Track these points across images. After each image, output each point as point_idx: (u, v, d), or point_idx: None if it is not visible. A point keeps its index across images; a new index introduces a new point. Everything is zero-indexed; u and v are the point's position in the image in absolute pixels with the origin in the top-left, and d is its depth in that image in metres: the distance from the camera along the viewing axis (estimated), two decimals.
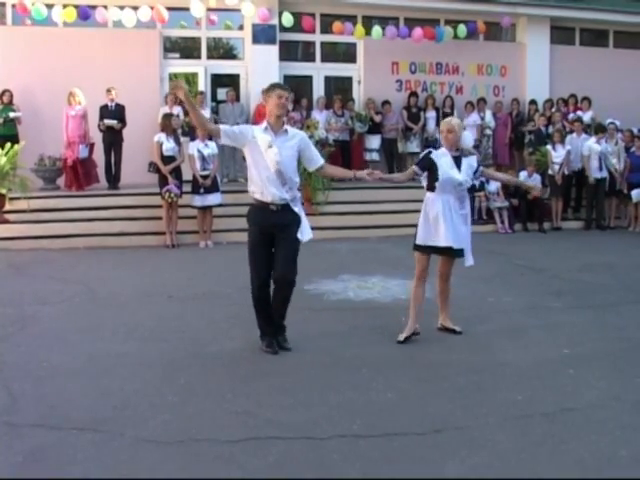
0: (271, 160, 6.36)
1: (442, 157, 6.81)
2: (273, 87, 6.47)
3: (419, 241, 6.83)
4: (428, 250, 6.82)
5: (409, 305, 6.94)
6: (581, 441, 4.58)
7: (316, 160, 6.68)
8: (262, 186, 6.41)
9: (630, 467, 4.23)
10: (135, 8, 15.05)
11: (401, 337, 6.74)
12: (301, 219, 6.54)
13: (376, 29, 16.69)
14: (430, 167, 6.79)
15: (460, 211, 6.87)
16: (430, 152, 6.93)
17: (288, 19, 16.14)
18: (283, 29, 16.76)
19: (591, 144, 15.15)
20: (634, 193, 14.88)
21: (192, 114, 6.43)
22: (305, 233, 6.54)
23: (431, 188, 6.84)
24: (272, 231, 6.43)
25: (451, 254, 6.88)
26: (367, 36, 16.88)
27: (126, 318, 7.75)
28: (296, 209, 6.54)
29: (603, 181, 15.21)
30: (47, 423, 4.84)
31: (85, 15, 14.96)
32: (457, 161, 6.81)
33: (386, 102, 16.96)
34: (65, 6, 14.93)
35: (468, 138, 6.93)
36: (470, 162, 6.89)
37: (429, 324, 7.07)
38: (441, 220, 6.72)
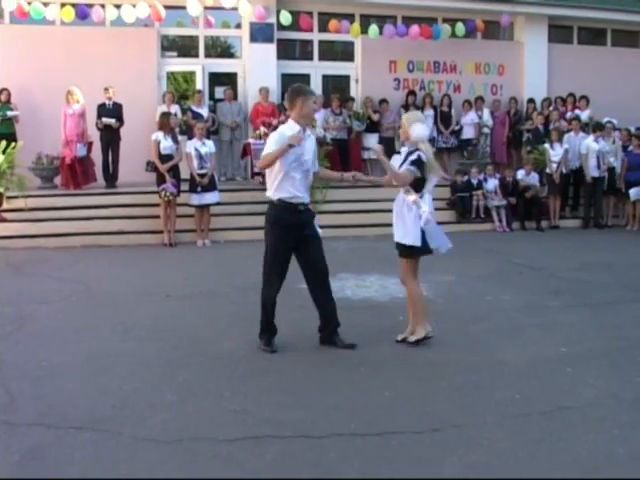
0: (303, 164, 6.46)
1: (401, 154, 6.81)
2: (310, 91, 6.60)
3: None
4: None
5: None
6: (579, 439, 4.59)
7: (316, 164, 6.80)
8: (295, 189, 6.43)
9: (628, 465, 4.23)
10: (133, 6, 15.03)
11: (399, 337, 6.77)
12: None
13: (373, 28, 16.71)
14: None
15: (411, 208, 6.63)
16: (399, 152, 6.95)
17: (286, 18, 16.12)
18: (281, 27, 16.74)
19: (589, 142, 15.15)
20: (632, 192, 14.89)
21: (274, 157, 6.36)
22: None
23: None
24: (300, 231, 6.49)
25: (401, 251, 6.73)
26: (364, 34, 16.90)
27: (124, 317, 7.74)
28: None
29: (601, 180, 15.22)
30: (45, 422, 4.84)
31: (83, 14, 14.95)
32: (408, 156, 6.65)
33: (384, 100, 16.96)
34: (63, 5, 14.94)
35: (417, 131, 6.64)
36: (411, 157, 6.60)
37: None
38: (394, 216, 6.73)
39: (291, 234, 6.45)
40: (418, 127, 6.65)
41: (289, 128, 6.50)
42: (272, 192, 6.50)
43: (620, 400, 5.29)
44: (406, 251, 6.63)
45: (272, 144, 6.41)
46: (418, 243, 6.50)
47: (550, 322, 7.52)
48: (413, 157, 6.56)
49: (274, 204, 6.50)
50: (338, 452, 4.40)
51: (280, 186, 6.44)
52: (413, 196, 6.57)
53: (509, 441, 4.56)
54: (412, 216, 6.56)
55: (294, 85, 6.83)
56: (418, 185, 6.59)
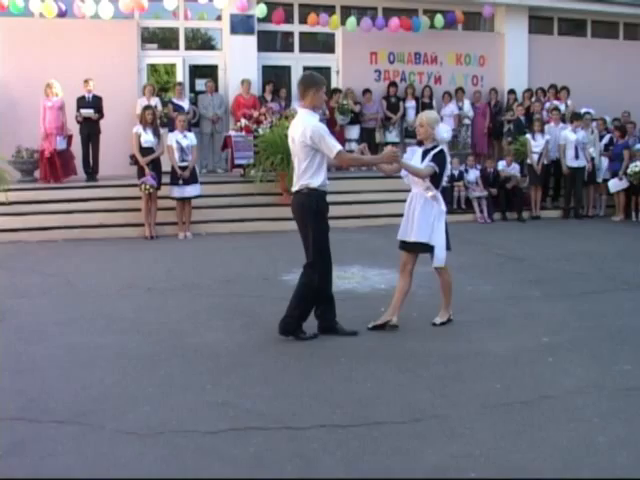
0: None
1: (416, 152, 6.94)
2: (322, 81, 6.62)
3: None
4: (400, 245, 6.95)
5: (392, 295, 7.08)
6: (560, 428, 4.62)
7: None
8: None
9: (608, 453, 4.26)
10: None
11: (370, 324, 6.89)
12: None
13: (351, 20, 16.71)
14: None
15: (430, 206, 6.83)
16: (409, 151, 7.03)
17: (262, 10, 16.12)
18: (261, 19, 16.70)
19: (567, 133, 15.17)
20: (610, 184, 14.98)
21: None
22: None
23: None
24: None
25: (414, 249, 6.94)
26: (343, 26, 16.92)
27: (105, 310, 7.72)
28: None
29: (581, 170, 15.25)
30: (27, 416, 4.82)
31: (63, 12, 14.88)
32: (425, 155, 6.79)
33: (367, 90, 16.96)
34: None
35: (443, 133, 6.81)
36: (434, 152, 6.77)
37: (407, 314, 7.10)
38: (412, 213, 6.84)
39: None
40: (443, 129, 6.78)
41: (314, 118, 6.49)
42: (316, 182, 6.54)
43: (601, 389, 5.33)
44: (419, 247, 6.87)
45: (329, 135, 6.42)
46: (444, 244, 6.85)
47: (531, 312, 7.56)
48: (436, 151, 6.73)
49: (312, 192, 6.60)
50: (320, 443, 4.41)
51: (322, 174, 6.54)
52: (433, 192, 6.76)
53: (490, 431, 4.59)
54: (434, 213, 6.77)
55: (305, 74, 6.84)
56: (437, 181, 6.75)
